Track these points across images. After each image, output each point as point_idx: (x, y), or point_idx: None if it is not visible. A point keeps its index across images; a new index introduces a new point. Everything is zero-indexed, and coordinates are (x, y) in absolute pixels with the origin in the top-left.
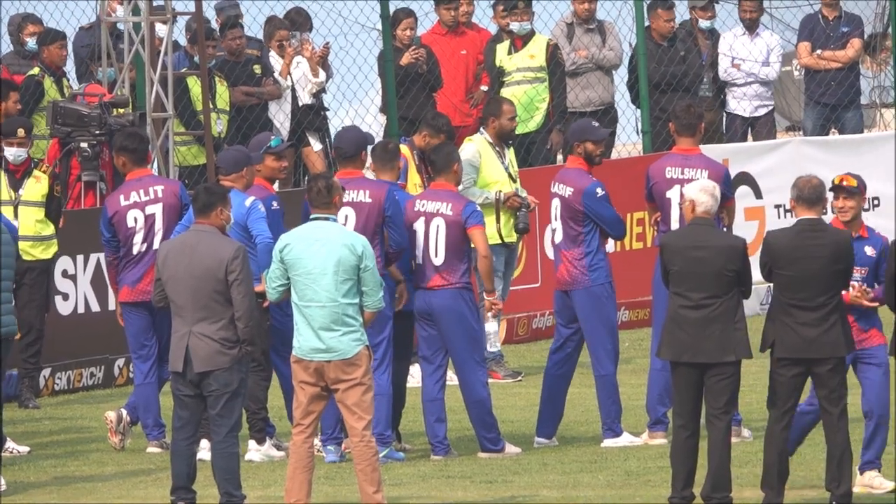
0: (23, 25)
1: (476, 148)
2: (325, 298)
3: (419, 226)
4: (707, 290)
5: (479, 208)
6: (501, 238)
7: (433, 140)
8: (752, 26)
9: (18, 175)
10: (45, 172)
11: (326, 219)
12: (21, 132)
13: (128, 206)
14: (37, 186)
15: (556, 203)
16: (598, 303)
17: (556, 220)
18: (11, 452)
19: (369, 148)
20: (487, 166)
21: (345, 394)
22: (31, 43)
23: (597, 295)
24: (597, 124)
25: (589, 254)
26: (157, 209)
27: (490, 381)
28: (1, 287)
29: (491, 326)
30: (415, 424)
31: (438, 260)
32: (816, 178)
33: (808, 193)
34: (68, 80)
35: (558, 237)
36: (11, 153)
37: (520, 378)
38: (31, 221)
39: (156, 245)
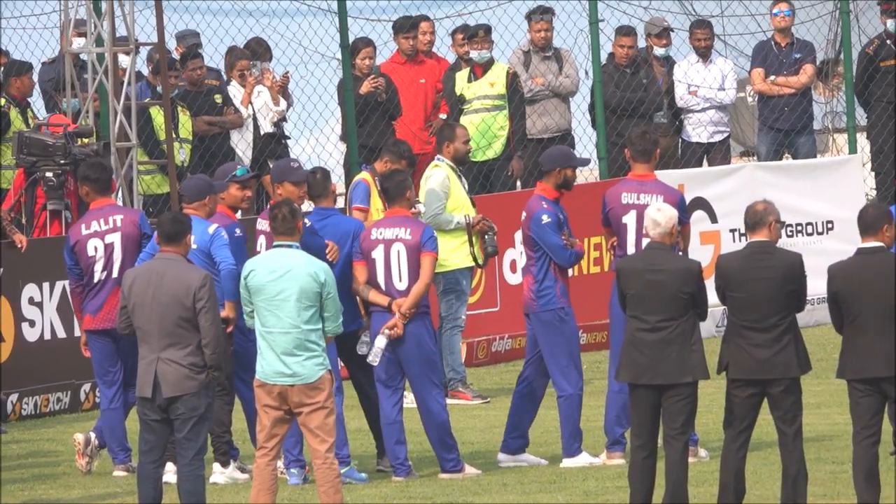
0: None
1: (445, 174)
2: (287, 325)
3: (378, 253)
4: (663, 313)
5: (435, 235)
6: (476, 261)
7: (395, 166)
8: (705, 54)
9: None
10: None
11: (290, 246)
12: None
13: (88, 235)
14: None
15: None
16: (547, 328)
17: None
18: None
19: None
20: (454, 191)
21: (308, 417)
22: None
23: (545, 320)
24: (574, 152)
25: (538, 280)
26: (115, 238)
27: (458, 402)
28: None
29: (380, 341)
30: (421, 447)
31: (402, 285)
32: (763, 202)
33: (750, 218)
34: (33, 111)
35: (522, 262)
36: None
37: (487, 400)
38: None
39: (115, 274)
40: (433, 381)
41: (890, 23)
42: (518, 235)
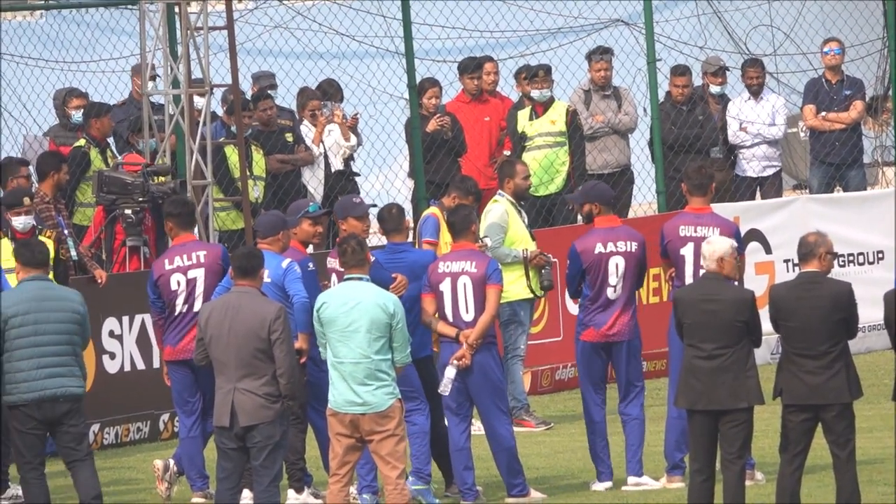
0: (67, 99)
1: (504, 209)
2: (358, 355)
3: (446, 286)
4: (719, 341)
5: (500, 267)
6: (533, 292)
7: (462, 201)
8: (757, 91)
9: None
10: (49, 238)
11: (360, 279)
12: (27, 201)
13: (171, 270)
14: None
15: None
16: (639, 352)
17: None
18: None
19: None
20: (513, 225)
21: (379, 444)
22: (76, 116)
23: (638, 346)
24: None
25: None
26: (198, 273)
27: (522, 429)
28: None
29: (450, 372)
30: (487, 473)
31: (469, 316)
32: (815, 234)
33: (801, 248)
34: (112, 151)
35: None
36: (20, 222)
37: (550, 426)
38: None
39: (196, 307)
40: (501, 409)
41: None
42: None
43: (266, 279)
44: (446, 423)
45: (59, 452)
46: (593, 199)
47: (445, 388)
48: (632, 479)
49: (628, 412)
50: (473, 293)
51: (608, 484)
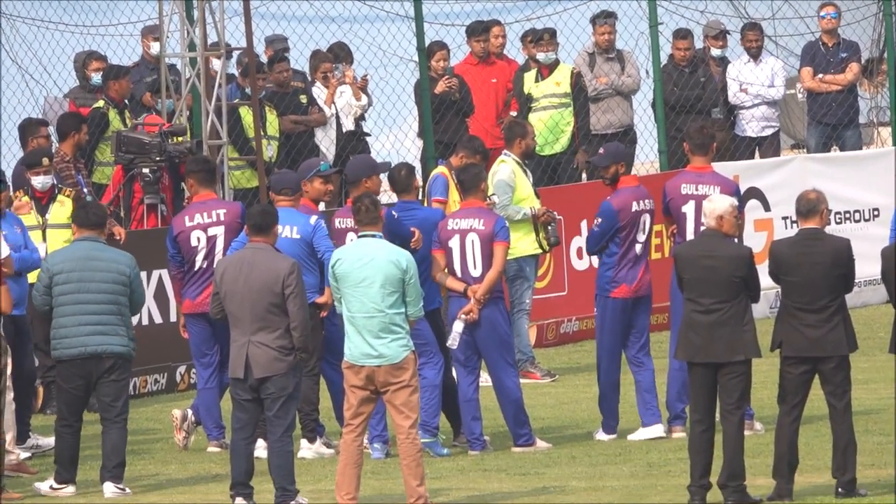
0: (87, 62)
1: (511, 168)
2: (372, 309)
3: (454, 243)
4: (717, 296)
5: (507, 224)
6: (542, 247)
7: (470, 160)
8: (756, 54)
9: (44, 201)
10: (68, 196)
11: (373, 236)
12: (45, 161)
13: (192, 227)
14: (62, 210)
15: None
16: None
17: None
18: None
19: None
20: (520, 185)
21: (393, 395)
22: (96, 78)
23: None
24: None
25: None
26: (219, 231)
27: (528, 381)
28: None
29: (458, 326)
30: (494, 423)
31: (477, 272)
32: (814, 191)
33: (803, 206)
34: (130, 112)
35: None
36: (39, 181)
37: (555, 378)
38: (58, 243)
39: (216, 263)
40: (508, 362)
41: None
42: (584, 224)
43: (295, 235)
44: (454, 375)
45: (97, 404)
46: (620, 160)
47: (453, 341)
48: (648, 430)
49: (643, 360)
50: (481, 249)
51: (614, 436)
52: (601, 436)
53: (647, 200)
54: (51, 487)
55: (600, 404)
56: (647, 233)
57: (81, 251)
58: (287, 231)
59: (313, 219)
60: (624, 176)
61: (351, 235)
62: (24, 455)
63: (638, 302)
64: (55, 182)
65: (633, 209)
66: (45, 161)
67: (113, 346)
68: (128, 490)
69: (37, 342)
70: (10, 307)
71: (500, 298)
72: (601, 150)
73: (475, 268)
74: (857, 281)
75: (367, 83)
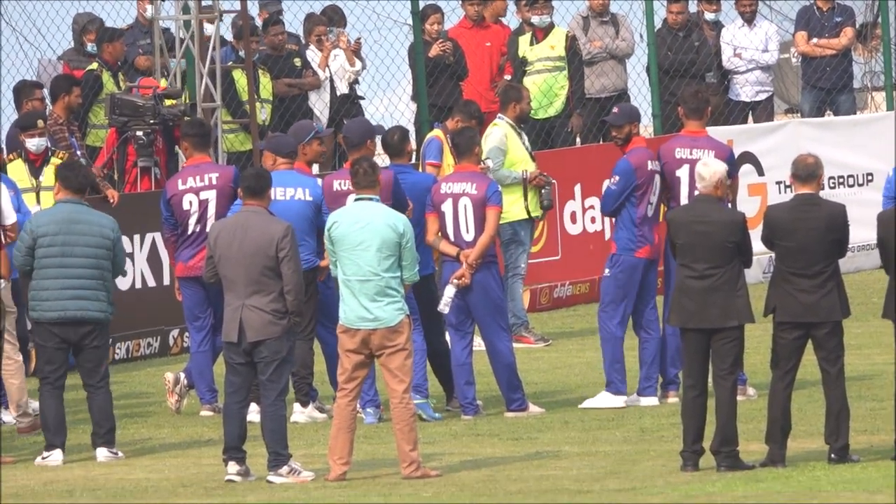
0: (87, 28)
1: (503, 132)
2: (368, 272)
3: (447, 207)
4: (710, 262)
5: (500, 189)
6: (528, 213)
7: (465, 125)
8: (750, 18)
9: (38, 163)
10: (62, 159)
11: (370, 199)
12: (40, 123)
13: (184, 191)
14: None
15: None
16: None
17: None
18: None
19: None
20: (512, 148)
21: (388, 358)
22: (92, 47)
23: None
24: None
25: None
26: (210, 195)
27: (521, 346)
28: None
29: (449, 291)
30: (487, 388)
31: (469, 236)
32: (812, 156)
33: (802, 171)
34: (124, 75)
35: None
36: (34, 143)
37: (549, 343)
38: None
39: (209, 227)
40: (501, 326)
41: None
42: (578, 188)
43: (308, 197)
44: (448, 339)
45: (79, 371)
46: (635, 119)
47: (445, 306)
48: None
49: (653, 322)
50: (474, 214)
51: (624, 397)
52: (614, 400)
53: (657, 161)
54: (42, 457)
55: (612, 364)
56: (657, 195)
57: (65, 213)
58: (299, 193)
59: (319, 181)
60: (636, 136)
61: (351, 198)
62: (8, 419)
63: (653, 263)
64: (49, 145)
65: (649, 168)
66: (40, 123)
67: (92, 312)
68: (121, 454)
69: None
70: (10, 271)
71: (493, 262)
72: (615, 110)
73: (468, 232)
74: (850, 246)
75: (360, 47)
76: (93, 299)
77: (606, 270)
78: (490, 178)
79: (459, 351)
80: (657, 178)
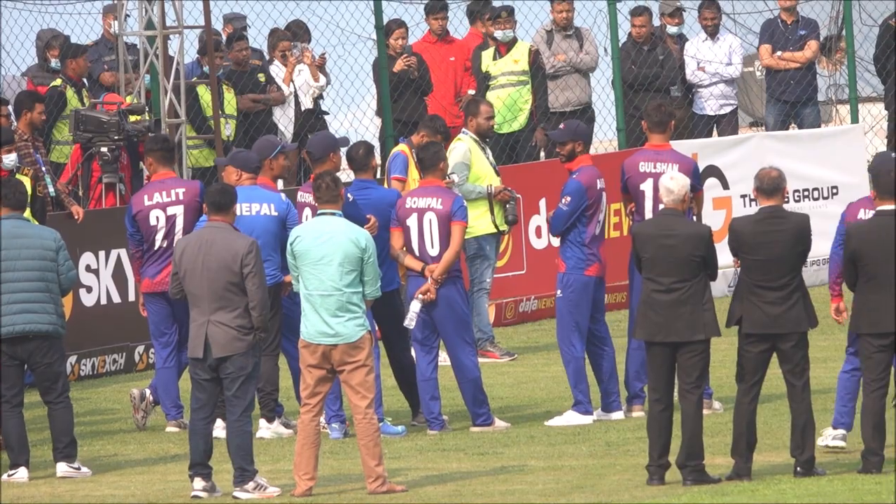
0: (51, 44)
1: (467, 147)
2: (330, 287)
3: (412, 221)
4: (676, 275)
5: (465, 204)
6: (496, 227)
7: (431, 140)
8: (713, 32)
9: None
10: (27, 175)
11: (333, 214)
12: (16, 138)
13: (151, 206)
14: None
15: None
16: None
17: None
18: None
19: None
20: (476, 162)
21: (349, 374)
22: (55, 63)
23: None
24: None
25: None
26: (178, 210)
27: (487, 360)
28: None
29: (415, 306)
30: (453, 403)
31: (434, 251)
32: (776, 169)
33: (766, 184)
34: (88, 91)
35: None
36: (10, 159)
37: (514, 357)
38: None
39: (175, 242)
40: (466, 341)
41: None
42: (543, 202)
43: (273, 212)
44: (413, 354)
45: (38, 389)
46: (579, 138)
47: (410, 321)
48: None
49: (605, 336)
50: (439, 229)
51: (592, 416)
52: (584, 418)
53: (602, 179)
54: (7, 475)
55: (577, 384)
56: (604, 212)
57: (6, 229)
58: (265, 209)
59: (284, 196)
60: (581, 155)
61: (307, 211)
62: None
63: (601, 281)
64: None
65: (598, 186)
66: (17, 138)
67: (40, 325)
68: (83, 469)
69: None
70: None
71: (458, 277)
72: (562, 125)
73: (433, 247)
74: (815, 259)
75: (324, 62)
76: (40, 312)
77: (559, 292)
78: (456, 194)
79: (425, 366)
80: (604, 196)
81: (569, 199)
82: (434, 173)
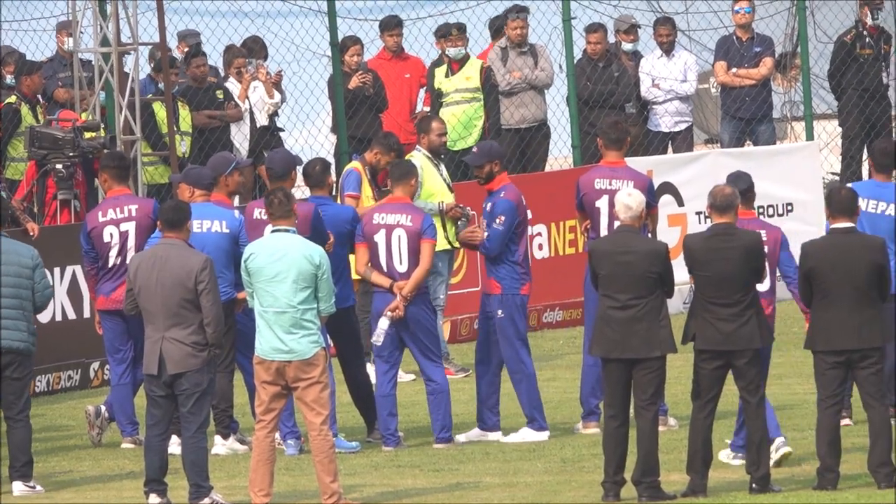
0: (6, 61)
1: (418, 163)
2: (284, 304)
3: (380, 237)
4: (633, 292)
5: (434, 223)
6: (450, 243)
7: (384, 157)
8: (668, 49)
9: None
10: None
11: (286, 230)
12: None
13: (105, 223)
14: None
15: None
16: None
17: None
18: None
19: (299, 168)
20: (428, 179)
21: (304, 391)
22: (10, 79)
23: None
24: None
25: None
26: (130, 227)
27: None
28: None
29: (383, 323)
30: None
31: (403, 267)
32: (729, 187)
33: (720, 202)
34: (43, 108)
35: None
36: None
37: (468, 373)
38: None
39: (129, 259)
40: (434, 358)
41: (872, 15)
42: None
43: (224, 229)
44: (373, 370)
45: (1, 403)
46: (495, 158)
47: (378, 338)
48: (539, 434)
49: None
50: (408, 246)
51: (547, 433)
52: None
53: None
54: None
55: (531, 401)
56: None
57: None
58: (216, 226)
59: (237, 213)
60: (499, 175)
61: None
62: None
63: (527, 300)
64: None
65: (524, 203)
66: None
67: (13, 343)
68: (38, 487)
69: None
70: None
71: (425, 294)
72: (474, 149)
73: (401, 263)
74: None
75: (281, 79)
76: (13, 329)
77: (499, 312)
78: (423, 212)
79: (385, 382)
80: (528, 214)
81: (503, 217)
82: (403, 189)
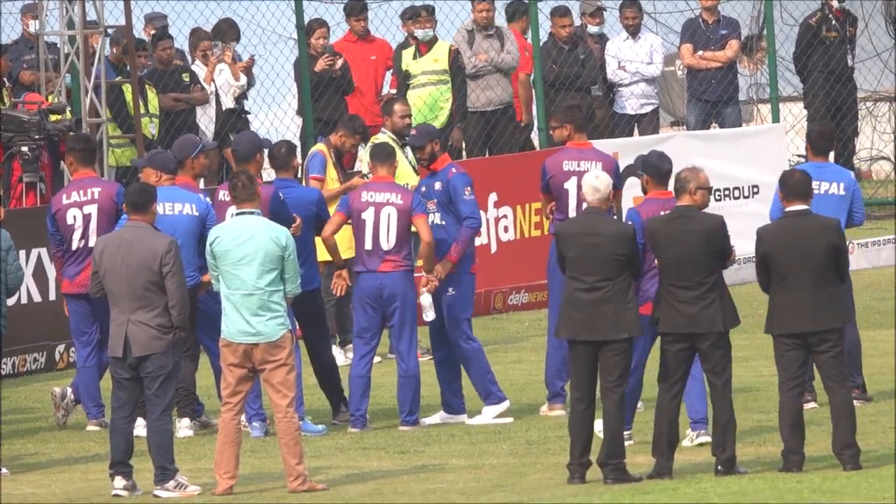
0: None
1: None
2: (251, 287)
3: (368, 215)
4: (600, 274)
5: (423, 200)
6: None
7: (349, 140)
8: (634, 31)
9: None
10: None
11: (251, 213)
12: None
13: (68, 205)
14: None
15: None
16: None
17: None
18: None
19: (265, 151)
20: None
21: (270, 373)
22: None
23: None
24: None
25: None
26: (93, 209)
27: None
28: None
29: (426, 299)
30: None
31: (388, 245)
32: (686, 169)
33: (675, 185)
34: (8, 90)
35: None
36: None
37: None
38: None
39: (91, 242)
40: (415, 337)
41: None
42: None
43: (194, 212)
44: (339, 352)
45: None
46: (435, 138)
47: (428, 313)
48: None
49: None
50: (397, 223)
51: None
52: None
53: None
54: None
55: (483, 382)
56: None
57: None
58: (187, 209)
59: (203, 196)
60: (440, 155)
61: (230, 210)
62: None
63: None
64: None
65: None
66: None
67: None
68: (4, 470)
69: None
70: None
71: (412, 271)
72: (413, 132)
73: (387, 241)
74: (737, 258)
75: (252, 63)
76: None
77: (451, 290)
78: (411, 191)
79: (363, 364)
80: None
81: (468, 188)
82: (387, 169)
